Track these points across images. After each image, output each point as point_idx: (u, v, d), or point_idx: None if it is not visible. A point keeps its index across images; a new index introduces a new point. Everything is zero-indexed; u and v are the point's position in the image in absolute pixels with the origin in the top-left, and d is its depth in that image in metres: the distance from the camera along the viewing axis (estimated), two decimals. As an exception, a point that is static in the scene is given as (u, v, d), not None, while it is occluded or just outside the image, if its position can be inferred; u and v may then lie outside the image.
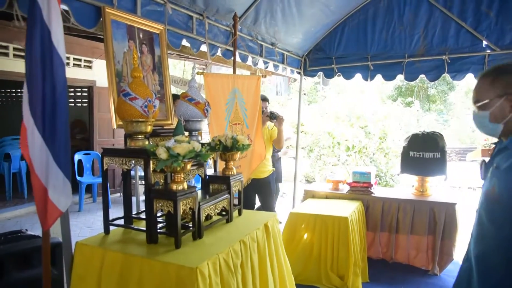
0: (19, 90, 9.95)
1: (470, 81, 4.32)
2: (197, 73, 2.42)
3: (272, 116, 3.67)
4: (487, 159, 1.55)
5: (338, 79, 5.14)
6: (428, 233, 3.70)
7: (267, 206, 3.93)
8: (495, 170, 1.43)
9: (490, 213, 1.43)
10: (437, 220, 3.64)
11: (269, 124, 3.84)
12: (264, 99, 3.92)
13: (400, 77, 4.56)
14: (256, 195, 4.00)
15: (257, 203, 4.19)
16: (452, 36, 4.11)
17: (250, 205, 3.81)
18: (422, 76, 4.43)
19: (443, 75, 4.28)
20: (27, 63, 1.63)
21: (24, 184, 6.38)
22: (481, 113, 1.45)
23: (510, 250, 1.32)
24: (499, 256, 1.36)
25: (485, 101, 1.42)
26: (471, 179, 9.29)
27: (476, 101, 1.47)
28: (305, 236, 3.47)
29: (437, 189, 4.15)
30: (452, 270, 3.78)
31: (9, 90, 10.10)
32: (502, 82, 1.39)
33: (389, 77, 4.63)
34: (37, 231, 2.73)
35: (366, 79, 4.71)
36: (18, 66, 5.56)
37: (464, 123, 16.21)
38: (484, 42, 3.96)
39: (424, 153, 3.87)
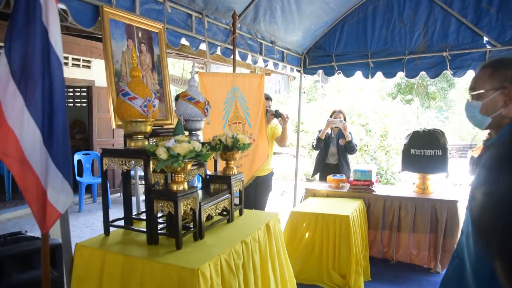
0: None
1: (471, 77, 4.29)
2: (190, 72, 2.39)
3: (277, 115, 3.68)
4: (476, 156, 1.54)
5: (338, 77, 5.12)
6: (430, 231, 3.68)
7: (260, 204, 3.88)
8: (481, 169, 1.40)
9: (476, 213, 1.41)
10: (439, 217, 3.63)
11: (272, 122, 3.84)
12: (267, 98, 3.93)
13: (401, 75, 4.54)
14: (253, 193, 3.90)
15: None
16: (452, 32, 4.09)
17: (250, 203, 3.77)
18: (423, 73, 4.41)
19: (444, 72, 4.26)
20: (18, 62, 1.58)
21: (24, 185, 6.36)
22: (474, 103, 1.45)
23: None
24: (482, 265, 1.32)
25: (481, 91, 1.42)
26: (472, 176, 9.26)
27: (472, 88, 1.47)
28: (306, 235, 3.45)
29: (439, 186, 4.13)
30: (454, 268, 3.76)
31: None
32: (500, 75, 1.38)
33: (389, 74, 4.61)
34: (37, 232, 2.71)
35: (366, 77, 4.69)
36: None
37: (464, 120, 16.17)
38: (485, 38, 3.94)
39: (425, 150, 3.85)
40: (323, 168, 4.53)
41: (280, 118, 3.69)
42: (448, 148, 3.87)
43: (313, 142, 4.59)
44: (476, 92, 1.43)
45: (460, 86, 17.75)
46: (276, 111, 3.70)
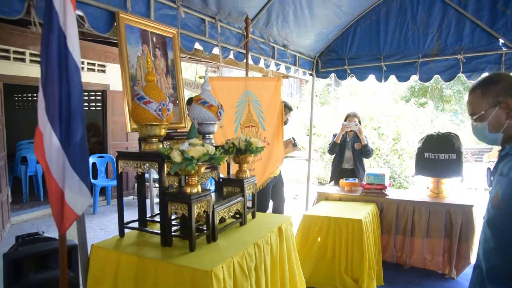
0: (35, 95, 10.14)
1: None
2: (200, 77, 2.44)
3: (295, 144, 4.10)
4: (492, 166, 1.57)
5: (350, 80, 5.10)
6: (444, 236, 3.63)
7: (280, 197, 4.23)
8: (499, 176, 1.44)
9: (491, 220, 1.45)
10: (453, 222, 3.58)
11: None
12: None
13: (414, 78, 4.51)
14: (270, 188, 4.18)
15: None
16: (467, 35, 4.04)
17: (266, 203, 4.05)
18: (437, 76, 4.37)
19: (458, 75, 4.22)
20: (42, 69, 1.66)
21: (40, 187, 6.49)
22: (480, 125, 1.49)
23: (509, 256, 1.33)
24: (503, 263, 1.36)
25: (481, 113, 1.46)
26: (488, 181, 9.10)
27: (472, 114, 1.51)
28: (319, 238, 3.44)
29: (453, 191, 4.07)
30: (469, 274, 3.66)
31: (25, 95, 10.30)
32: (491, 92, 1.44)
33: (403, 78, 4.58)
34: (53, 233, 2.77)
35: (379, 80, 4.66)
36: (34, 71, 5.66)
37: (480, 123, 15.87)
38: (501, 41, 3.89)
39: (439, 154, 3.81)
40: (339, 174, 4.51)
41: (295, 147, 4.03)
42: (463, 152, 3.82)
43: (328, 147, 4.57)
44: (477, 116, 1.48)
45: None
46: (294, 141, 4.06)
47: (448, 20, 4.11)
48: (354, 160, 4.42)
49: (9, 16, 1.77)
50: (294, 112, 4.05)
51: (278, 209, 4.23)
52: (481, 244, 1.50)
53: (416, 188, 7.36)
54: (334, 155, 4.54)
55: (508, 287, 1.36)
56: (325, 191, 4.19)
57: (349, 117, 4.45)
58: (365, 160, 4.55)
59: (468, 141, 13.71)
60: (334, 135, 4.47)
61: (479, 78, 1.55)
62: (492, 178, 1.54)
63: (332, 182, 4.55)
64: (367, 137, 4.46)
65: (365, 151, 4.34)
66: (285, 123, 3.80)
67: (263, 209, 3.92)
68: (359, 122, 4.44)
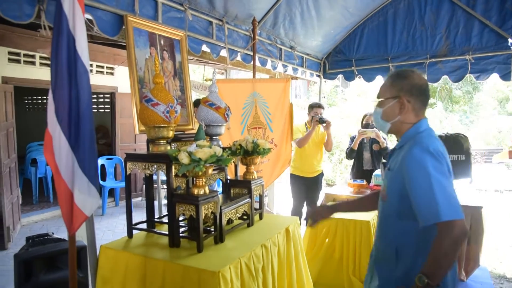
0: (45, 97, 10.24)
1: (496, 81, 4.22)
2: (205, 79, 2.46)
3: (321, 121, 3.82)
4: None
5: (358, 81, 5.09)
6: (453, 238, 3.59)
7: (313, 201, 4.28)
8: (387, 171, 1.58)
9: (379, 211, 1.61)
10: (462, 224, 3.54)
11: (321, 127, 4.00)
12: (319, 106, 4.10)
13: (423, 79, 4.48)
14: (305, 191, 4.26)
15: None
16: (476, 35, 4.02)
17: (303, 198, 4.26)
18: (445, 77, 4.34)
19: (466, 75, 4.18)
20: (52, 72, 1.68)
21: (50, 188, 6.56)
22: (377, 109, 1.61)
23: (395, 243, 1.50)
24: (380, 246, 1.58)
25: (382, 99, 1.59)
26: (498, 182, 9.02)
27: (377, 96, 1.62)
28: (326, 240, 3.43)
29: (462, 192, 4.03)
30: (479, 276, 3.67)
31: (35, 98, 10.42)
32: (397, 85, 1.54)
33: (411, 78, 4.55)
34: (63, 234, 2.80)
35: (387, 81, 4.64)
36: (44, 74, 5.73)
37: (490, 124, 15.75)
38: (510, 41, 3.86)
39: (447, 155, 3.77)
40: (359, 175, 4.46)
41: (324, 124, 3.83)
42: (472, 153, 3.79)
43: (346, 151, 4.51)
44: (379, 100, 1.60)
45: (485, 89, 17.31)
46: (321, 118, 3.84)
47: (456, 21, 4.08)
48: (373, 161, 4.36)
49: (20, 20, 1.80)
50: (301, 113, 4.05)
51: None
52: (377, 235, 1.65)
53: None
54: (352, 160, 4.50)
55: (384, 267, 1.55)
56: (333, 193, 4.17)
57: (366, 117, 4.37)
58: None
59: (478, 141, 13.58)
60: (352, 139, 4.42)
61: (397, 69, 1.66)
62: (384, 171, 1.65)
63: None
64: (386, 138, 4.39)
65: (386, 154, 4.23)
66: (323, 121, 3.79)
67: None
68: None
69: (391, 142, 8.13)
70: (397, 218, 1.50)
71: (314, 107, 4.04)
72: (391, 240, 1.52)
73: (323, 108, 4.09)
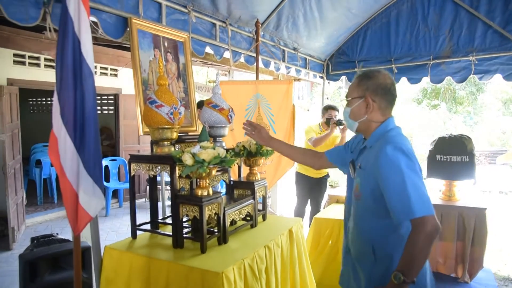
0: (50, 99, 10.30)
1: (500, 81, 4.20)
2: (209, 81, 2.47)
3: (338, 123, 3.85)
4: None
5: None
6: (457, 239, 3.59)
7: (317, 202, 4.32)
8: (359, 170, 1.60)
9: (354, 210, 1.64)
10: (466, 226, 3.53)
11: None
12: (334, 108, 4.14)
13: (426, 80, 4.48)
14: (309, 190, 4.32)
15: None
16: (479, 36, 4.01)
17: (306, 198, 4.33)
18: (449, 78, 4.33)
19: (470, 76, 4.18)
20: (57, 73, 1.70)
21: (54, 189, 6.59)
22: (346, 108, 1.65)
23: (372, 240, 1.54)
24: (361, 244, 1.60)
25: (349, 98, 1.63)
26: (502, 183, 8.98)
27: (346, 96, 1.66)
28: (330, 241, 3.43)
29: (466, 193, 4.02)
30: (482, 277, 3.66)
31: (40, 99, 10.47)
32: (363, 85, 1.58)
33: (414, 80, 4.56)
34: (67, 235, 2.82)
35: (390, 82, 4.64)
36: (49, 76, 5.77)
37: (494, 125, 15.69)
38: (514, 42, 3.85)
39: (451, 156, 3.77)
40: None
41: (341, 127, 3.87)
42: (476, 154, 3.78)
43: None
44: (347, 99, 1.64)
45: (489, 90, 17.23)
46: (338, 120, 3.87)
47: (460, 22, 4.08)
48: None
49: (26, 23, 1.82)
50: (304, 115, 4.06)
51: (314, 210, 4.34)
52: (349, 231, 1.70)
53: (428, 191, 7.27)
54: None
55: (365, 264, 1.58)
56: (336, 194, 4.17)
57: None
58: None
59: (482, 143, 13.52)
60: None
61: (364, 70, 1.68)
62: (354, 169, 1.69)
63: None
64: None
65: None
66: (341, 123, 3.81)
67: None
68: None
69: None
70: (372, 216, 1.53)
71: (329, 109, 4.10)
72: (368, 238, 1.56)
73: (337, 110, 4.15)
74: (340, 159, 1.88)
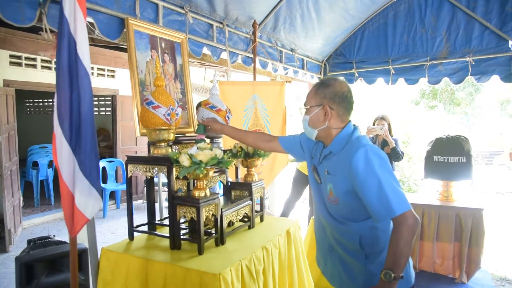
0: (46, 100, 10.28)
1: (498, 82, 4.22)
2: (211, 81, 2.47)
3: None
4: (315, 164, 1.73)
5: (359, 84, 5.10)
6: (454, 240, 3.59)
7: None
8: (328, 175, 1.62)
9: (333, 213, 1.65)
10: (463, 226, 3.54)
11: None
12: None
13: (423, 81, 4.49)
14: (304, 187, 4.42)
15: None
16: (476, 37, 4.02)
17: (296, 195, 4.40)
18: (446, 79, 4.35)
19: (467, 77, 4.19)
20: (57, 75, 1.69)
21: (51, 191, 6.57)
22: (305, 117, 1.67)
23: (359, 240, 1.58)
24: (348, 241, 1.62)
25: (308, 107, 1.65)
26: (499, 184, 9.01)
27: (304, 104, 1.68)
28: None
29: (463, 194, 4.03)
30: (480, 278, 3.67)
31: (37, 100, 10.44)
32: (321, 93, 1.60)
33: (411, 81, 4.57)
34: (64, 237, 2.81)
35: (388, 83, 4.66)
36: (45, 77, 5.75)
37: (491, 126, 15.74)
38: (510, 42, 3.86)
39: (448, 157, 3.78)
40: None
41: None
42: (473, 155, 3.79)
43: None
44: (306, 108, 1.66)
45: (487, 91, 17.29)
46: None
47: (456, 23, 4.09)
48: None
49: (22, 24, 1.81)
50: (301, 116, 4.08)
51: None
52: (330, 232, 1.70)
53: (426, 192, 7.30)
54: None
55: (356, 255, 1.61)
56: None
57: (377, 120, 4.33)
58: (396, 163, 4.41)
59: (479, 143, 13.56)
60: None
61: (322, 78, 1.69)
62: (318, 175, 1.70)
63: None
64: (397, 139, 4.32)
65: (394, 154, 4.15)
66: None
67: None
68: (389, 125, 4.29)
69: (404, 144, 8.14)
70: (353, 218, 1.58)
71: None
72: (354, 237, 1.59)
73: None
74: (292, 148, 1.94)
